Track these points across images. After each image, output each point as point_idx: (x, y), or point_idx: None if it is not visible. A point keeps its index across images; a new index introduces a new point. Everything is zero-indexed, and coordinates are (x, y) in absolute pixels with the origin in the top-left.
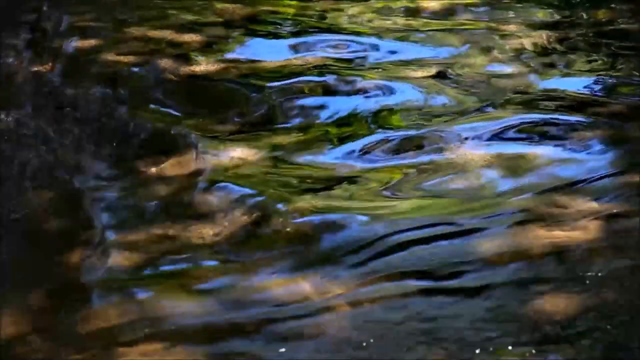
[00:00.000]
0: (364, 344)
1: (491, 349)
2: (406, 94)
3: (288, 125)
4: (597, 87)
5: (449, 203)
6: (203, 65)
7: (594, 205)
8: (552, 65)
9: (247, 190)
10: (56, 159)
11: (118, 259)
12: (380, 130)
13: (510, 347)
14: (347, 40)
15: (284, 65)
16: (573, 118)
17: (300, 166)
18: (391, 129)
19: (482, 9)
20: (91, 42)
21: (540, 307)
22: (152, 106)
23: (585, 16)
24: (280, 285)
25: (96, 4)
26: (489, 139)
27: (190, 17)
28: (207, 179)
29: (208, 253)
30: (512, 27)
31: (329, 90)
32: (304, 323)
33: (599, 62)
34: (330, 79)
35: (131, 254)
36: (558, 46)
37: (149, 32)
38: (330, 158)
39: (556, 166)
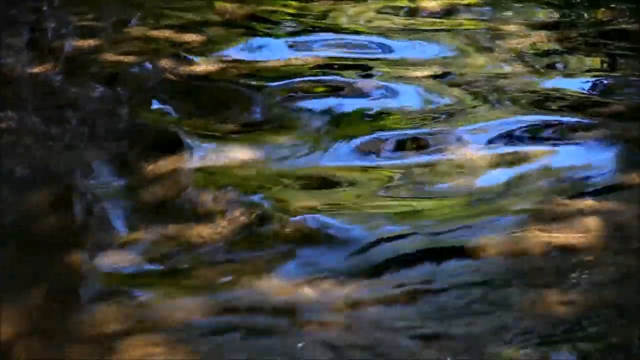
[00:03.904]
0: (364, 345)
1: (491, 349)
2: (406, 94)
3: (288, 125)
4: (597, 87)
5: (449, 203)
6: (203, 65)
7: (594, 205)
8: (552, 66)
9: (247, 191)
10: (56, 159)
11: (118, 259)
12: (380, 130)
13: (510, 347)
14: (347, 40)
15: (284, 65)
16: (573, 118)
17: (299, 166)
18: (391, 129)
19: (482, 9)
20: (91, 42)
21: (540, 307)
22: (152, 106)
23: (585, 16)
24: (280, 286)
25: (96, 4)
26: (489, 139)
27: (190, 17)
28: (206, 179)
29: (208, 253)
30: (512, 27)
31: (328, 90)
32: (303, 323)
33: (599, 62)
34: (330, 78)
35: (131, 253)
36: (558, 46)
37: (149, 32)
38: (330, 158)
39: (556, 166)
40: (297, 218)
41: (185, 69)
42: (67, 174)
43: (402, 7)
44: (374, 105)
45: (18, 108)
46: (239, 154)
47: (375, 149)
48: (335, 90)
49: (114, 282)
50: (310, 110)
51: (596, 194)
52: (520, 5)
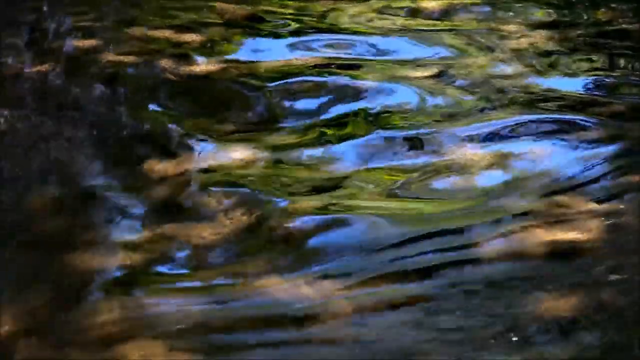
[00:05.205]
0: (364, 345)
1: (492, 349)
2: (406, 94)
3: (288, 125)
4: (597, 87)
5: (449, 203)
6: (203, 65)
7: (594, 205)
8: (552, 65)
9: (247, 190)
10: (56, 159)
11: (118, 259)
12: (380, 130)
13: (510, 347)
14: (347, 40)
15: (284, 65)
16: (573, 118)
17: (300, 166)
18: (391, 129)
19: (482, 9)
20: (91, 42)
21: (541, 307)
22: (152, 106)
23: (585, 16)
24: (280, 286)
25: (96, 4)
26: (489, 139)
27: (190, 17)
28: (207, 179)
29: (208, 253)
30: (512, 27)
31: (328, 90)
32: (303, 323)
33: (599, 62)
34: (330, 79)
35: (131, 253)
36: (558, 46)
37: (149, 32)
38: (331, 158)
39: (556, 166)
40: (298, 218)
41: (185, 69)
42: (67, 174)
43: (402, 7)
44: (374, 105)
45: (18, 108)
46: (239, 154)
47: (376, 149)
48: (334, 90)
49: (114, 282)
50: (309, 110)
51: (596, 193)
52: (520, 5)
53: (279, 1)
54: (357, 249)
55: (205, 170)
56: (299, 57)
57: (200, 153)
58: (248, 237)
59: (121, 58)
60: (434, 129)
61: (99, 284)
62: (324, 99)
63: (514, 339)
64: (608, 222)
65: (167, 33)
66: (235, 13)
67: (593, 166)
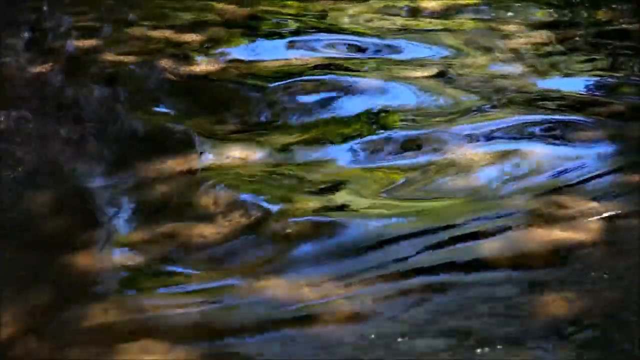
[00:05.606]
0: (364, 345)
1: (492, 348)
2: (406, 94)
3: (288, 125)
4: (597, 87)
5: (449, 203)
6: (203, 65)
7: (594, 205)
8: (552, 65)
9: (247, 191)
10: (56, 159)
11: (118, 259)
12: (380, 130)
13: (510, 347)
14: (347, 40)
15: (284, 65)
16: (573, 118)
17: (300, 166)
18: (391, 129)
19: (482, 9)
20: (91, 42)
21: (540, 307)
22: (152, 106)
23: (585, 16)
24: (280, 286)
25: (96, 4)
26: (489, 139)
27: (190, 17)
28: (207, 179)
29: (208, 253)
30: (512, 27)
31: (328, 90)
32: (303, 324)
33: (599, 62)
34: (330, 78)
35: (131, 253)
36: (558, 46)
37: (149, 32)
38: (331, 158)
39: (556, 166)
40: (298, 218)
41: (185, 69)
42: (67, 174)
43: (402, 7)
44: (373, 105)
45: (18, 108)
46: (238, 154)
47: (376, 149)
48: (335, 90)
49: (113, 282)
50: (310, 110)
51: (596, 193)
52: (520, 5)
53: (279, 1)
54: (356, 249)
55: (205, 170)
56: (299, 57)
57: (200, 153)
58: (248, 237)
59: (121, 58)
60: (434, 129)
61: (99, 284)
62: (323, 99)
63: (514, 338)
64: (608, 222)
65: (167, 33)
66: (235, 13)
67: (592, 166)
